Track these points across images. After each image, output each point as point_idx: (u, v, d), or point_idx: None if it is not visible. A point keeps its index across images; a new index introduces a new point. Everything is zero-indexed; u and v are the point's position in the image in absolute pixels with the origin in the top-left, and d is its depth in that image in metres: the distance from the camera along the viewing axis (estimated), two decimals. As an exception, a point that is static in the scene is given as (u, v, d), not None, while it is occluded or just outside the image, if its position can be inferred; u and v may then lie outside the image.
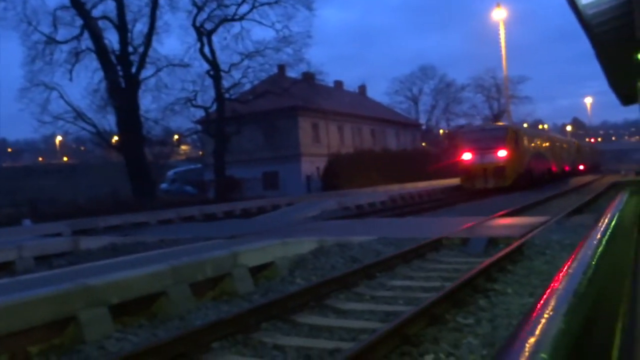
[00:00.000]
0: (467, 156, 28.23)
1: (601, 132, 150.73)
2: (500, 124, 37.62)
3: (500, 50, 51.40)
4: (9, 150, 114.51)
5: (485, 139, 28.28)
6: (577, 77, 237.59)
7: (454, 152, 32.59)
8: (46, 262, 11.79)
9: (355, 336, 5.22)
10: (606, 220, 2.17)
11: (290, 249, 9.07)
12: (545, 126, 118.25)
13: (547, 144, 37.02)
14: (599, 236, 1.66)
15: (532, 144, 32.66)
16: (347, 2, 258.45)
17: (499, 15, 51.98)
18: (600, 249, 1.45)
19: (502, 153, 27.12)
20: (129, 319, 6.28)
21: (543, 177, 32.72)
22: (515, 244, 8.88)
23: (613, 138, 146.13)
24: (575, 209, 15.28)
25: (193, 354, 4.94)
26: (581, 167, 48.13)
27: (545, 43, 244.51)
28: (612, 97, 28.79)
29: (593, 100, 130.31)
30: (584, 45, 16.83)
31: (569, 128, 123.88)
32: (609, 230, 1.86)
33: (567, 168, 41.20)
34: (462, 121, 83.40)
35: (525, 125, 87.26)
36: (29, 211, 26.38)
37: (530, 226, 11.09)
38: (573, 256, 1.31)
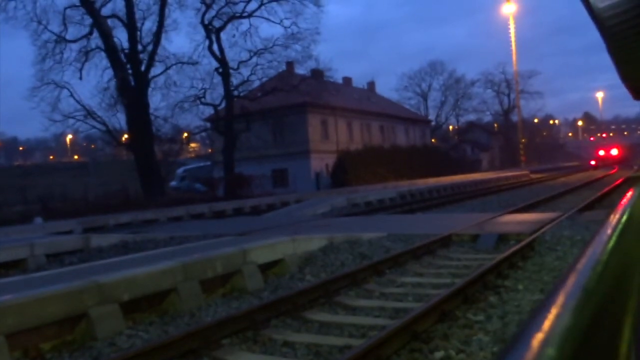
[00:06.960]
0: (601, 152, 66.31)
1: (613, 126, 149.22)
2: (615, 139, 78.85)
3: (509, 44, 51.88)
4: (20, 148, 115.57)
5: (608, 146, 69.51)
6: (587, 70, 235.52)
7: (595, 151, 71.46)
8: (58, 260, 11.87)
9: (365, 333, 5.23)
10: (617, 216, 2.15)
11: (300, 246, 9.08)
12: (557, 121, 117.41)
13: (623, 146, 73.14)
14: (609, 231, 1.64)
15: (624, 147, 70.22)
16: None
17: (508, 9, 51.73)
18: (611, 244, 1.43)
19: (615, 152, 65.08)
20: (140, 315, 6.33)
21: (626, 161, 63.93)
22: (526, 241, 8.83)
23: (625, 133, 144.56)
24: (587, 205, 15.18)
25: (203, 351, 4.97)
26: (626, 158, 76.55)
27: (553, 35, 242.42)
28: (624, 91, 29.28)
29: (604, 94, 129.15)
30: (593, 36, 16.67)
31: (580, 123, 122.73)
32: (620, 226, 1.84)
33: (629, 158, 73.21)
34: (471, 117, 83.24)
35: (536, 120, 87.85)
36: (40, 209, 26.58)
37: (541, 222, 11.02)
38: (582, 252, 1.30)
